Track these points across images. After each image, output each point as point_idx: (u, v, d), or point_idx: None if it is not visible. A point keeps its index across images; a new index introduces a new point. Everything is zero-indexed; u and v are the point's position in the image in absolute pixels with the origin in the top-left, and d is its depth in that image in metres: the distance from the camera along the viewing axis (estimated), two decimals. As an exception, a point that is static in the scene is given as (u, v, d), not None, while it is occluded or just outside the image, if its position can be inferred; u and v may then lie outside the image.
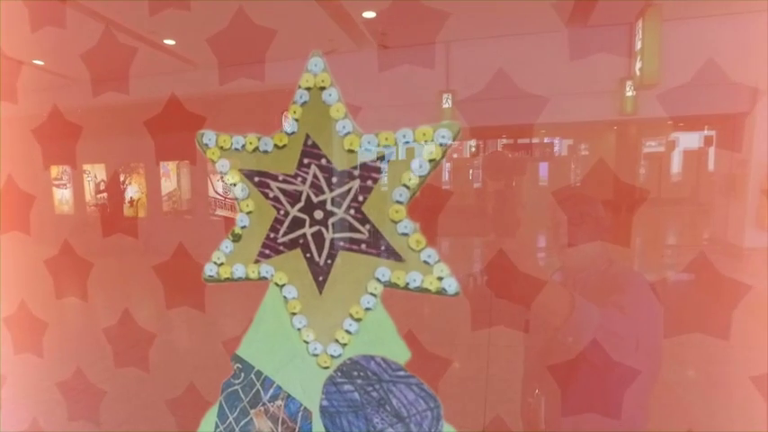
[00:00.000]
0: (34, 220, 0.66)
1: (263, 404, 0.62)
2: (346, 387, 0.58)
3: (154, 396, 0.68)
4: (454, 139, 0.53)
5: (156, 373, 0.67)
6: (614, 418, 0.60)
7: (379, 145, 0.54)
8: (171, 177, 1.24)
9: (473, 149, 0.84)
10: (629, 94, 2.13)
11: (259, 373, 0.62)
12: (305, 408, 0.60)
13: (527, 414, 0.72)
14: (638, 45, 1.86)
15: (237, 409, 0.63)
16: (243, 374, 0.62)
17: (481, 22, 0.56)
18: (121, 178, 1.37)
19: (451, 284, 0.53)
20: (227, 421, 0.64)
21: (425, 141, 0.53)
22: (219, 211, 0.92)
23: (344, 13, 0.56)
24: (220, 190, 0.86)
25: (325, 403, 0.60)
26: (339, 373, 0.58)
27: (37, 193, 0.68)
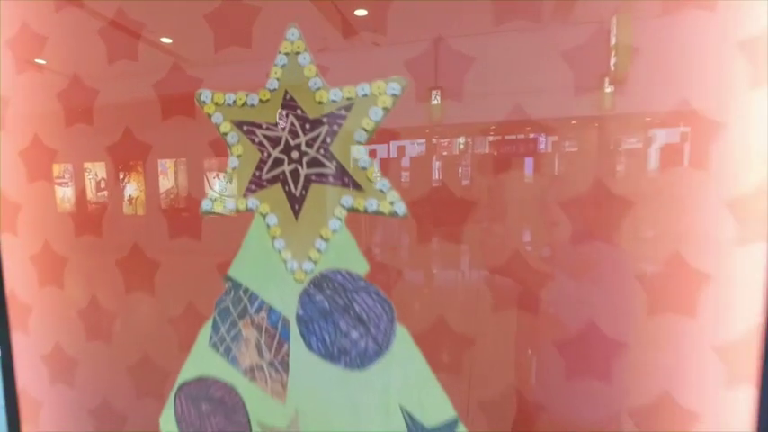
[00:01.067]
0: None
1: (250, 316, 0.77)
2: (318, 297, 0.73)
3: (159, 316, 0.82)
4: (402, 92, 0.68)
5: (161, 295, 0.82)
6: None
7: (342, 98, 0.70)
8: (168, 175, 1.32)
9: (462, 146, 0.91)
10: (608, 90, 2.30)
11: (246, 290, 0.76)
12: (284, 317, 0.75)
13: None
14: (613, 41, 2.03)
15: (228, 321, 0.78)
16: (233, 291, 0.77)
17: (467, 18, 0.66)
18: (120, 176, 1.45)
19: (401, 207, 0.68)
20: (220, 332, 0.79)
21: (379, 93, 0.68)
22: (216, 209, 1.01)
23: (336, 11, 0.67)
24: (216, 188, 0.94)
25: (300, 312, 0.74)
26: (311, 286, 0.73)
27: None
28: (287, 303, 0.74)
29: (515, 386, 0.69)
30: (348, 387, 0.73)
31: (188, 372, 0.82)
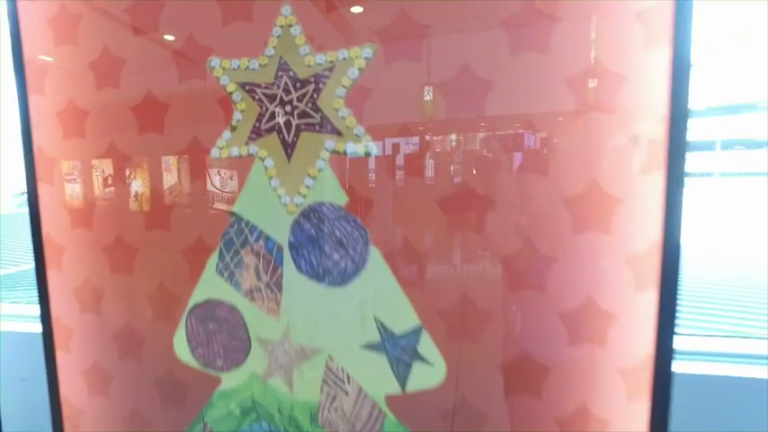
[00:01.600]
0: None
1: (250, 245, 0.93)
2: (306, 226, 0.90)
3: (174, 249, 0.99)
4: (373, 56, 0.85)
5: (175, 231, 0.99)
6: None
7: (326, 61, 0.87)
8: (172, 172, 1.42)
9: (453, 143, 0.99)
10: (592, 85, 2.47)
11: (247, 223, 0.93)
12: (278, 244, 0.92)
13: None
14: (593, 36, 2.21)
15: (232, 250, 0.95)
16: (236, 224, 0.94)
17: (456, 14, 0.77)
18: (127, 173, 1.55)
19: (373, 149, 0.85)
20: (225, 260, 0.95)
21: (355, 57, 0.85)
22: (217, 205, 1.10)
23: (333, 7, 0.78)
24: (218, 184, 1.03)
25: (291, 239, 0.91)
26: (301, 217, 0.90)
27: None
28: (281, 232, 0.91)
29: (469, 296, 0.85)
30: (331, 302, 0.90)
31: (197, 296, 0.98)
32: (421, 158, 0.85)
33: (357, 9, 0.85)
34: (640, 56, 0.75)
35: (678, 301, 0.77)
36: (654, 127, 0.75)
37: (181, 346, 1.01)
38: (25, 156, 1.05)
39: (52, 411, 1.12)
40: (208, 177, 0.98)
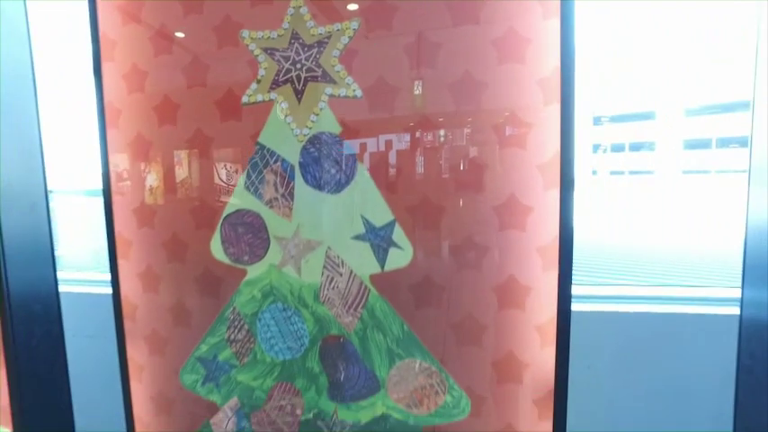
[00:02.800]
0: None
1: (270, 166, 1.32)
2: (311, 150, 1.28)
3: (211, 174, 1.37)
4: (358, 28, 1.24)
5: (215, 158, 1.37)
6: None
7: (325, 31, 1.26)
8: (183, 166, 1.68)
9: (442, 139, 1.21)
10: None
11: (268, 149, 1.31)
12: (291, 164, 1.30)
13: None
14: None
15: (256, 171, 1.33)
16: (260, 151, 1.32)
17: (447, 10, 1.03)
18: (142, 167, 1.83)
19: (359, 93, 1.24)
20: (251, 178, 1.33)
21: (346, 28, 1.24)
22: (224, 198, 1.36)
23: (330, 5, 1.08)
24: (224, 177, 1.26)
25: (301, 160, 1.29)
26: (308, 143, 1.28)
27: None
28: (293, 155, 1.29)
29: (428, 196, 1.23)
30: (330, 206, 1.28)
31: (230, 207, 1.36)
32: (393, 98, 1.23)
33: (348, -6, 1.25)
34: (543, 111, 1.13)
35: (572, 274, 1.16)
36: (552, 156, 1.13)
37: (216, 248, 1.38)
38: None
39: (114, 307, 1.49)
40: (215, 171, 1.36)
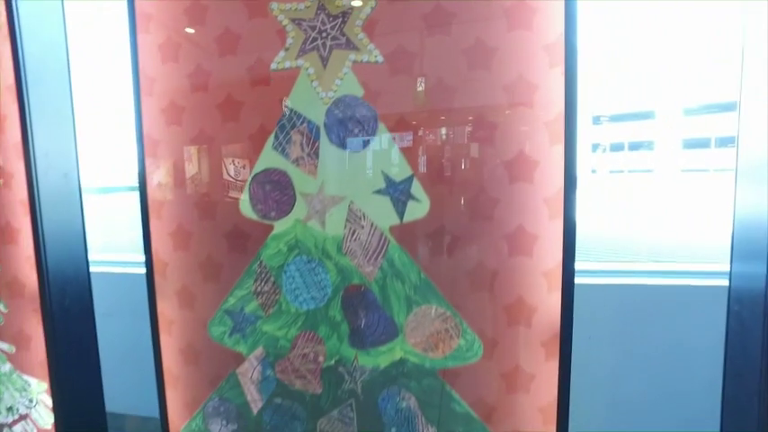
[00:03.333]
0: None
1: (297, 127, 1.44)
2: (335, 111, 1.41)
3: (240, 136, 1.49)
4: (378, 1, 1.37)
5: (243, 121, 1.49)
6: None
7: (349, 3, 1.39)
8: (193, 162, 1.73)
9: (444, 137, 1.27)
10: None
11: (296, 112, 1.44)
12: (316, 125, 1.42)
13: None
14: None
15: (284, 131, 1.45)
16: (287, 113, 1.45)
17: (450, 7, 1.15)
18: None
19: (380, 58, 1.37)
20: (279, 138, 1.46)
21: (365, 2, 1.37)
22: (232, 193, 1.43)
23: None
24: (232, 173, 1.34)
25: (326, 121, 1.42)
26: (333, 105, 1.41)
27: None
28: (318, 117, 1.42)
29: (446, 154, 1.36)
30: (352, 163, 1.40)
31: (258, 166, 1.49)
32: (411, 63, 1.36)
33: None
34: (549, 73, 1.26)
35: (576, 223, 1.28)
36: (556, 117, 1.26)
37: (245, 205, 1.51)
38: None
39: (146, 264, 1.62)
40: (224, 167, 1.49)
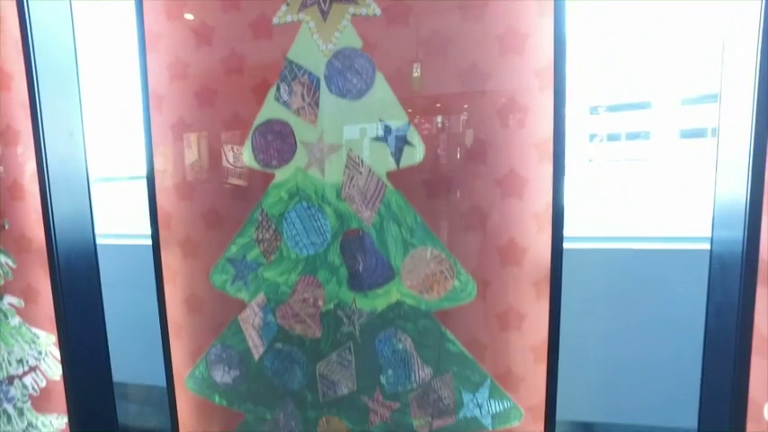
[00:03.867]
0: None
1: (298, 78, 1.51)
2: (336, 62, 1.47)
3: (245, 87, 1.56)
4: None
5: (247, 73, 1.56)
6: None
7: (349, -43, 1.46)
8: (193, 148, 1.72)
9: (439, 125, 1.28)
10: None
11: (296, 64, 1.50)
12: (317, 76, 1.49)
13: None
14: None
15: (285, 82, 1.52)
16: (288, 66, 1.51)
17: None
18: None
19: (378, 11, 1.44)
20: (281, 90, 1.53)
21: (368, -47, 1.44)
22: (231, 179, 1.46)
23: None
24: (231, 160, 1.37)
25: (326, 72, 1.48)
26: (332, 57, 1.48)
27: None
28: (319, 68, 1.49)
29: (440, 99, 1.43)
30: (351, 111, 1.47)
31: (260, 118, 1.55)
32: (407, 16, 1.43)
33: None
34: (538, 22, 1.33)
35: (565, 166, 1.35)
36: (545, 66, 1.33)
37: (248, 155, 1.57)
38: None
39: (151, 217, 1.68)
40: (223, 154, 1.56)
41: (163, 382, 1.78)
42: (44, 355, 1.86)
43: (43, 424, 1.92)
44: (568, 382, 1.58)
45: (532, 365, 1.47)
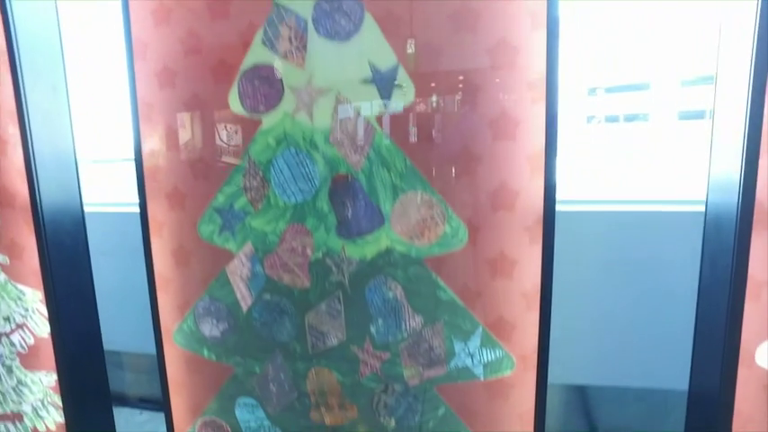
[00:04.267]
0: None
1: (285, 21, 1.47)
2: (323, 4, 1.43)
3: (232, 35, 1.52)
4: None
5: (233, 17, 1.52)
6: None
7: None
8: (186, 128, 1.66)
9: (434, 104, 1.23)
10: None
11: (284, 8, 1.46)
12: (304, 19, 1.45)
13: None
14: None
15: (272, 26, 1.48)
16: (275, 9, 1.47)
17: None
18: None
19: (367, -54, 1.39)
20: (268, 34, 1.49)
21: None
22: (224, 158, 1.42)
23: None
24: (225, 138, 1.34)
25: (313, 15, 1.44)
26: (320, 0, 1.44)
27: None
28: (307, 13, 1.44)
29: (430, 38, 1.39)
30: (339, 54, 1.43)
31: (246, 63, 1.51)
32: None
33: None
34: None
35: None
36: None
37: (234, 101, 1.54)
38: None
39: (137, 168, 1.65)
40: (216, 133, 1.51)
41: (150, 350, 1.75)
42: (31, 312, 1.84)
43: (33, 381, 1.90)
44: (561, 345, 1.57)
45: (524, 312, 1.45)
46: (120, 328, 2.31)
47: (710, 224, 1.42)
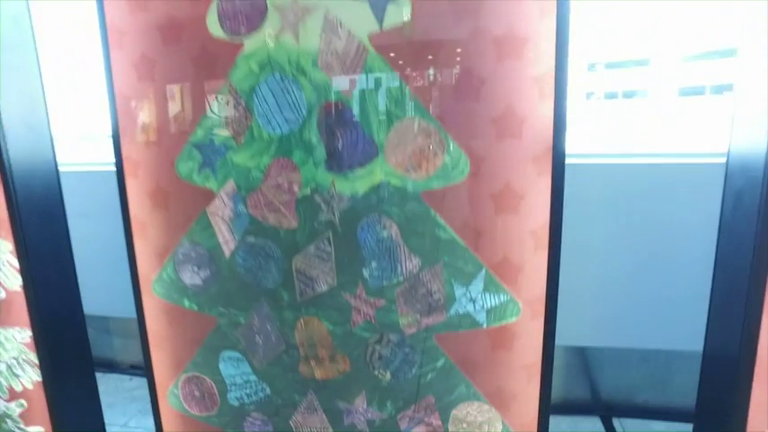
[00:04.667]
0: None
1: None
2: None
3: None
4: None
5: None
6: None
7: None
8: (176, 100, 1.55)
9: (431, 78, 1.13)
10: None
11: None
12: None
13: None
14: None
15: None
16: None
17: None
18: (132, 104, 1.67)
19: None
20: None
21: None
22: (216, 130, 1.33)
23: None
24: (216, 110, 1.24)
25: None
26: None
27: None
28: None
29: None
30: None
31: (226, -22, 1.37)
32: None
33: None
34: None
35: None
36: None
37: (213, 25, 1.39)
38: None
39: (110, 104, 1.51)
40: (207, 103, 1.36)
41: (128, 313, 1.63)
42: (1, 264, 1.71)
43: (6, 338, 1.78)
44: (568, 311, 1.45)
45: (532, 253, 1.32)
46: (107, 293, 2.19)
47: (731, 183, 1.30)
